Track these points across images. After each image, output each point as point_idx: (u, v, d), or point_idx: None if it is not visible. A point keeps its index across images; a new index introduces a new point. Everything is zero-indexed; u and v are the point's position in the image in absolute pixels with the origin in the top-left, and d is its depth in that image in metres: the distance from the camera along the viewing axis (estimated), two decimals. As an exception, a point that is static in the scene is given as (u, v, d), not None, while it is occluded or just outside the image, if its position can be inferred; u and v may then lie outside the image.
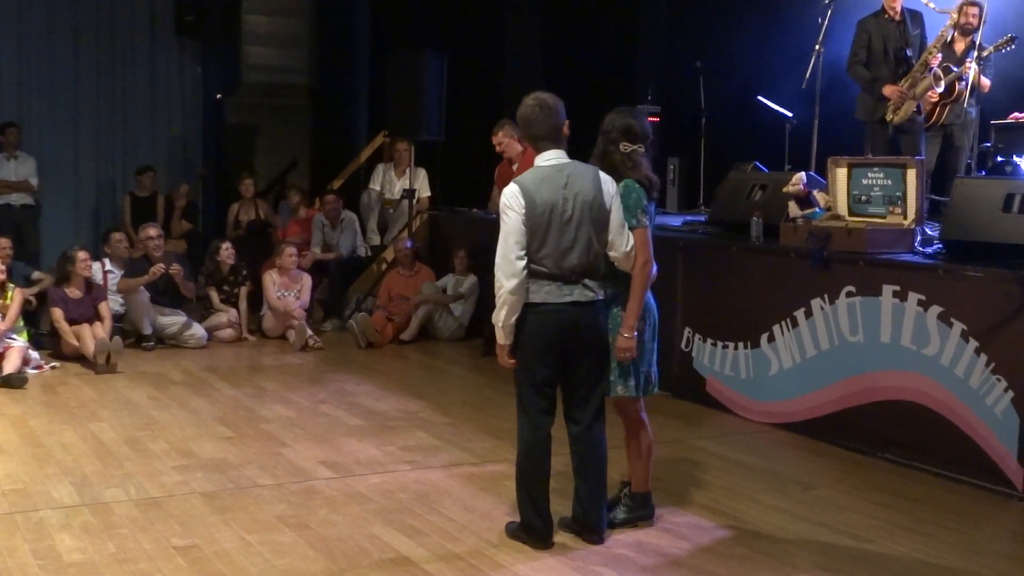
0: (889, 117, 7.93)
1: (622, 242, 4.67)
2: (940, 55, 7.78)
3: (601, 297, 4.72)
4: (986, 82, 7.91)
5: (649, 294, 4.85)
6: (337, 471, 5.86)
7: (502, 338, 4.67)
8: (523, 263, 4.54)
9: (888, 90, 7.96)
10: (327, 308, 10.68)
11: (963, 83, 7.79)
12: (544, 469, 4.70)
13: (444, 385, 8.38)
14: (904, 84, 7.86)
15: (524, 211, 4.53)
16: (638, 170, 4.88)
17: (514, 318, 4.59)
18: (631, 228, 4.71)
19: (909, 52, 7.99)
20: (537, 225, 4.55)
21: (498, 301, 4.62)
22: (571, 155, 4.75)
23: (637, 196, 4.78)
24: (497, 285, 4.62)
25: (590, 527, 4.79)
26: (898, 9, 8.05)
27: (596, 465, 4.79)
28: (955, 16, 7.80)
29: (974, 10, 7.74)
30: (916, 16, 8.15)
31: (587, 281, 4.66)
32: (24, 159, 11.45)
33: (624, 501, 5.04)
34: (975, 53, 7.73)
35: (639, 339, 4.74)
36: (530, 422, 4.71)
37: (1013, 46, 7.68)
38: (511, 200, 4.58)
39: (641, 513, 5.03)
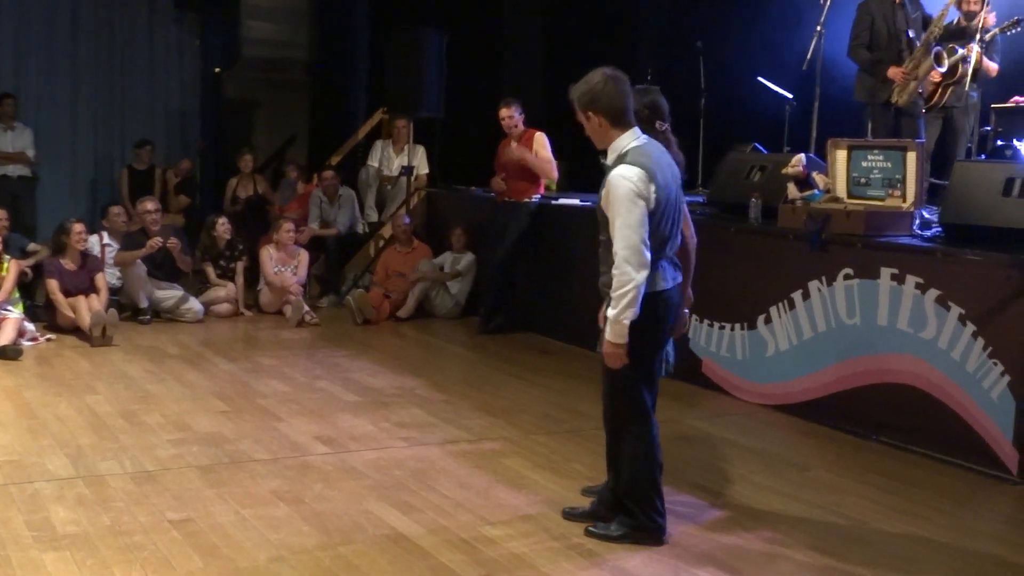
0: (894, 99, 7.91)
1: None
2: (941, 35, 7.76)
3: None
4: (992, 66, 7.89)
5: (677, 277, 4.71)
6: (332, 447, 5.85)
7: (623, 336, 4.26)
8: (650, 253, 4.27)
9: (892, 72, 7.94)
10: (324, 284, 10.70)
11: (966, 64, 7.77)
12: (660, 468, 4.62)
13: (440, 362, 8.38)
14: (908, 65, 7.84)
15: (655, 197, 4.27)
16: (672, 149, 4.86)
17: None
18: None
19: (911, 33, 7.97)
20: (665, 208, 4.34)
21: (624, 297, 4.20)
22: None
23: None
24: (625, 279, 4.20)
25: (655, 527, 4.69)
26: None
27: None
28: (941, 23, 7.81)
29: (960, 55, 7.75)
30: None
31: (676, 259, 4.58)
32: (21, 130, 11.44)
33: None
34: (979, 36, 7.72)
35: None
36: (649, 420, 4.54)
37: (1019, 28, 7.65)
38: (640, 185, 4.23)
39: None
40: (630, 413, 4.53)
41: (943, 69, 7.73)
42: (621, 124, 4.41)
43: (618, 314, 4.23)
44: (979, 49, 7.77)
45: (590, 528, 4.61)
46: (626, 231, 4.22)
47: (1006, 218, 5.94)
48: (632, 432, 4.54)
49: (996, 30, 7.72)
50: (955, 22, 7.94)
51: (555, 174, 9.23)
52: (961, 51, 7.74)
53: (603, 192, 4.37)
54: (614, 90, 4.37)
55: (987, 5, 7.77)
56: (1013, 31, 7.69)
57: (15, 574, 4.07)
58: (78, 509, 4.77)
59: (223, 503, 4.90)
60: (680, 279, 4.58)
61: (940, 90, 7.84)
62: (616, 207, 4.25)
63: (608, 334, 4.29)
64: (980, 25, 7.69)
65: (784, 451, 6.12)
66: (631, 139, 4.40)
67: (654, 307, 4.37)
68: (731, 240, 7.34)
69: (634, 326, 4.28)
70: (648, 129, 4.80)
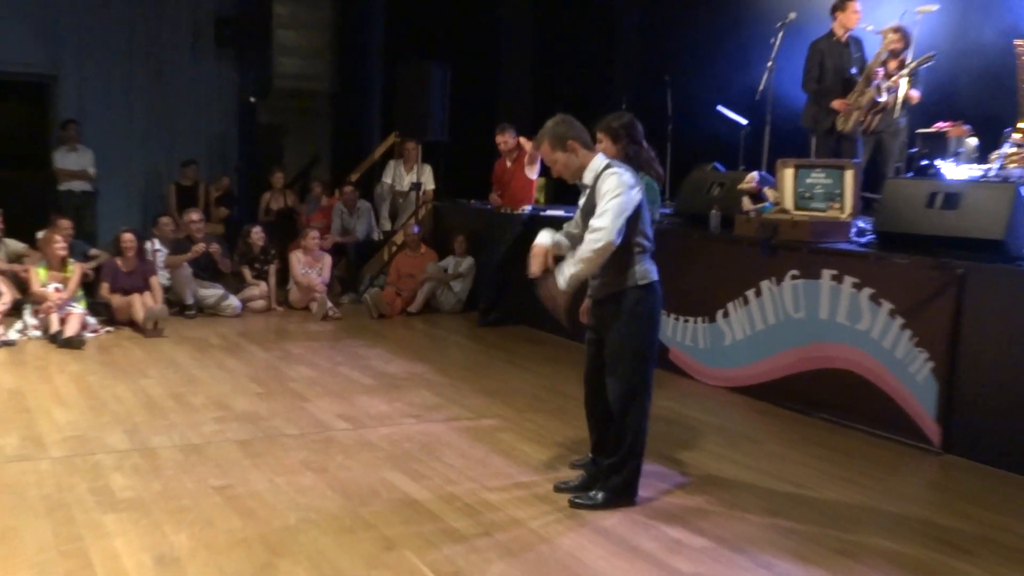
0: (840, 127, 7.92)
1: None
2: (881, 70, 7.79)
3: None
4: (915, 94, 7.91)
5: None
6: (352, 423, 5.86)
7: (570, 283, 4.29)
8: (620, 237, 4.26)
9: (836, 103, 7.95)
10: (344, 284, 10.69)
11: (892, 95, 7.82)
12: None
13: (445, 351, 8.39)
14: (851, 97, 7.86)
15: (638, 197, 4.32)
16: (653, 167, 4.87)
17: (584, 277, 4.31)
18: None
19: (853, 70, 7.99)
20: (644, 210, 4.40)
21: (595, 247, 4.20)
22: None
23: (655, 192, 4.76)
24: (601, 236, 4.19)
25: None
26: (847, 33, 8.04)
27: None
28: (885, 39, 7.81)
29: (899, 35, 7.77)
30: (857, 41, 8.15)
31: None
32: (83, 151, 11.42)
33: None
34: (903, 70, 7.77)
35: None
36: (650, 398, 4.60)
37: (932, 62, 7.70)
38: (632, 179, 4.32)
39: None
40: (641, 390, 4.54)
41: (883, 99, 7.76)
42: (589, 147, 4.50)
43: (576, 269, 4.26)
44: (906, 82, 7.82)
45: (574, 499, 4.59)
46: (615, 204, 4.22)
47: (929, 227, 5.95)
48: (640, 406, 4.54)
49: (914, 64, 7.75)
50: (885, 58, 7.96)
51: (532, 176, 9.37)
52: (888, 83, 7.79)
53: (584, 198, 4.41)
54: (574, 125, 4.47)
55: (909, 45, 7.82)
56: (928, 64, 7.73)
57: (80, 532, 4.08)
58: (133, 477, 4.78)
59: (258, 472, 4.91)
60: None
61: (870, 117, 7.86)
62: (611, 191, 4.24)
63: (560, 279, 4.28)
64: (904, 61, 7.75)
65: (740, 427, 6.15)
66: (601, 159, 4.46)
67: (654, 293, 4.47)
68: (694, 246, 7.35)
69: (642, 314, 4.39)
70: (626, 145, 4.82)
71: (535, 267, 4.50)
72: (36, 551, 3.90)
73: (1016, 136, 6.72)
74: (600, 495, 4.57)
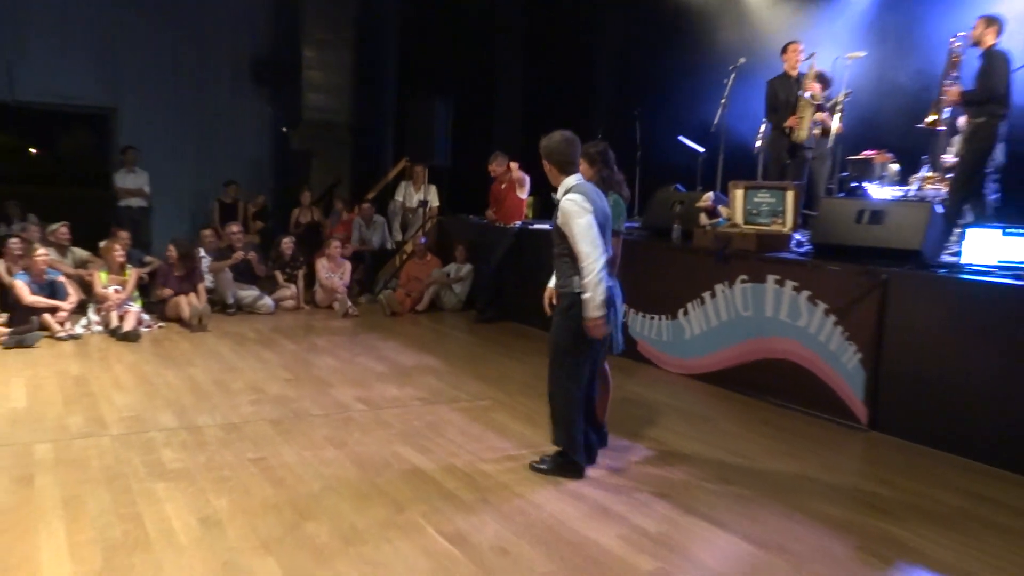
0: (795, 138, 7.93)
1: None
2: (817, 84, 7.85)
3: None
4: (839, 126, 7.93)
5: (616, 283, 4.61)
6: (368, 405, 5.84)
7: (601, 309, 4.22)
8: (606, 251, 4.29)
9: (790, 121, 7.98)
10: (362, 286, 10.65)
11: (817, 127, 7.92)
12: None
13: (448, 344, 8.37)
14: (798, 115, 7.90)
15: (592, 212, 4.28)
16: (622, 189, 4.88)
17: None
18: (615, 234, 4.64)
19: (800, 94, 8.00)
20: (601, 222, 4.34)
21: (595, 277, 4.20)
22: (547, 178, 4.65)
23: (622, 208, 4.77)
24: (592, 266, 4.20)
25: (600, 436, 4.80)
26: (796, 67, 8.07)
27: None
28: (808, 80, 7.89)
29: (818, 85, 7.84)
30: (799, 75, 8.19)
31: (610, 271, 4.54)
32: (140, 173, 11.39)
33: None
34: (827, 105, 7.87)
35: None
36: (579, 385, 4.50)
37: (848, 98, 7.75)
38: (583, 203, 4.25)
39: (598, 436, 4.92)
40: (564, 380, 4.49)
41: (818, 102, 7.84)
42: (567, 171, 4.47)
43: (593, 294, 4.22)
44: (828, 115, 7.91)
45: (533, 464, 4.63)
46: (583, 233, 4.24)
47: (858, 239, 5.97)
48: (563, 394, 4.51)
49: (836, 99, 7.78)
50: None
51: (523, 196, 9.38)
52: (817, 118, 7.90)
53: (557, 215, 4.40)
54: (564, 148, 4.46)
55: (829, 86, 7.92)
56: (846, 99, 7.76)
57: (135, 499, 4.06)
58: (181, 451, 4.76)
59: (288, 446, 4.89)
60: (613, 282, 4.50)
61: (816, 125, 7.94)
62: (572, 221, 4.27)
63: (588, 310, 4.24)
64: (828, 97, 7.87)
65: (697, 408, 6.14)
66: (574, 180, 4.45)
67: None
68: (659, 255, 7.36)
69: (574, 316, 4.32)
70: (600, 168, 4.82)
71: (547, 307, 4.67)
72: (98, 514, 3.88)
73: (928, 120, 6.77)
74: (546, 464, 4.59)
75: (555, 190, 4.57)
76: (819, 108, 7.89)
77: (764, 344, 6.32)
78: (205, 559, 3.48)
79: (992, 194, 7.54)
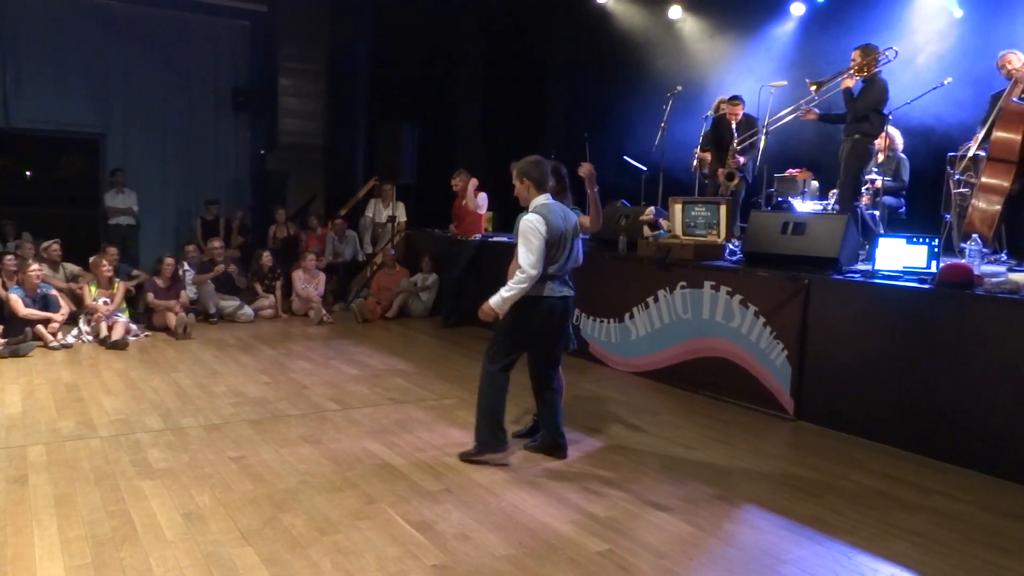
0: (722, 191, 8.05)
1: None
2: (740, 158, 7.96)
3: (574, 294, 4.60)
4: (757, 147, 8.06)
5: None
6: (341, 405, 5.80)
7: (502, 309, 4.37)
8: (542, 269, 4.35)
9: (720, 173, 8.07)
10: (336, 296, 10.56)
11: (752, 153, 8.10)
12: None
13: (415, 348, 8.33)
14: (725, 169, 7.99)
15: (546, 233, 4.33)
16: (568, 200, 4.91)
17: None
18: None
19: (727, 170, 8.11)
20: (555, 242, 4.38)
21: (519, 285, 4.30)
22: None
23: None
24: (523, 276, 4.30)
25: (558, 447, 4.73)
26: (734, 121, 8.19)
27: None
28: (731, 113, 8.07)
29: (742, 158, 7.97)
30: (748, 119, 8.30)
31: (569, 281, 4.58)
32: (128, 193, 11.23)
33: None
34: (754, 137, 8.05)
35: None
36: (505, 376, 4.54)
37: (762, 135, 7.85)
38: (537, 224, 4.32)
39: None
40: (492, 370, 4.53)
41: (742, 160, 7.97)
42: (540, 190, 4.51)
43: (508, 295, 4.34)
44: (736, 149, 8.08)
45: (461, 454, 4.66)
46: (529, 251, 4.32)
47: (783, 248, 6.05)
48: (489, 382, 4.55)
49: (744, 143, 7.94)
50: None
51: (481, 212, 9.34)
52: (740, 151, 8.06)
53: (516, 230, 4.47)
54: (540, 170, 4.51)
55: (750, 130, 8.09)
56: (753, 139, 7.89)
57: (123, 497, 3.98)
58: (167, 451, 4.68)
59: (266, 445, 4.84)
60: (567, 292, 4.52)
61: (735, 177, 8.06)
62: (523, 236, 4.36)
63: (493, 302, 4.37)
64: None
65: (643, 403, 6.17)
66: (542, 200, 4.48)
67: (536, 307, 4.43)
68: (607, 264, 7.39)
69: (519, 315, 4.40)
70: (556, 185, 4.84)
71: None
72: (88, 512, 3.80)
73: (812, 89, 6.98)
74: (473, 447, 4.63)
75: (519, 207, 4.60)
76: (743, 176, 8.04)
77: (702, 343, 6.38)
78: (189, 551, 3.42)
79: (901, 207, 7.73)
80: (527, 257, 4.32)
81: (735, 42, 10.11)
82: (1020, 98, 6.17)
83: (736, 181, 7.97)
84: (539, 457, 4.73)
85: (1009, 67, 6.26)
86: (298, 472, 4.38)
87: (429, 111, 11.97)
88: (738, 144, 7.96)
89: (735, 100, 8.26)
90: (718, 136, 8.30)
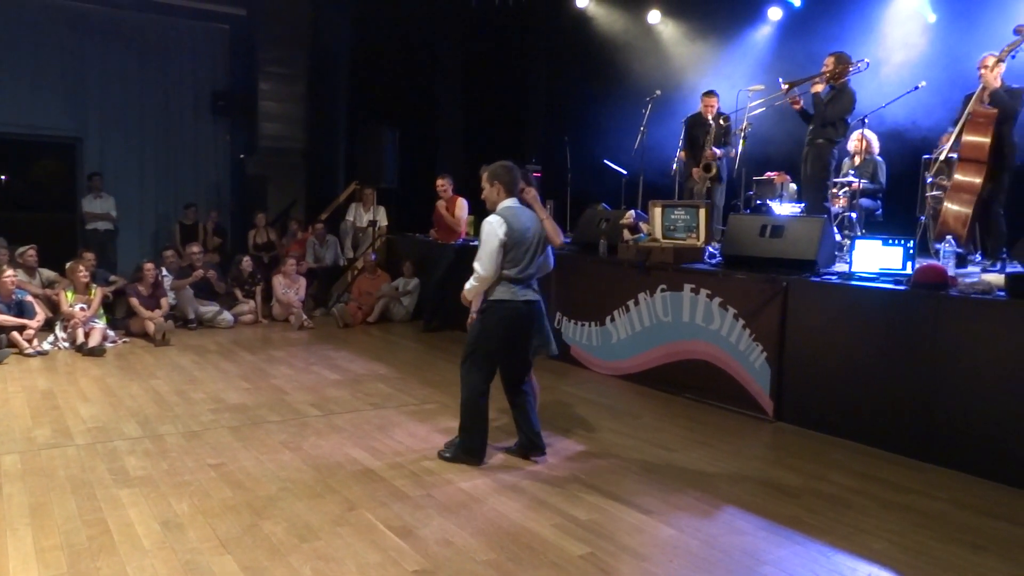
0: (696, 190, 8.11)
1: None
2: (716, 153, 8.03)
3: (539, 297, 4.62)
4: (735, 151, 8.13)
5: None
6: (322, 411, 5.76)
7: (469, 296, 4.63)
8: (499, 270, 4.44)
9: (694, 171, 8.13)
10: (317, 300, 10.51)
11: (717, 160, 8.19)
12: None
13: (396, 352, 8.30)
14: (700, 167, 8.04)
15: (505, 235, 4.39)
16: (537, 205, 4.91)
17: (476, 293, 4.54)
18: None
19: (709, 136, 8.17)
20: (516, 244, 4.42)
21: (474, 282, 4.49)
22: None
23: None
24: (476, 275, 4.45)
25: (536, 447, 4.74)
26: (709, 115, 8.23)
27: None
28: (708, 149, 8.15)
29: (717, 151, 8.05)
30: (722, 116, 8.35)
31: (534, 284, 4.59)
32: (106, 198, 11.12)
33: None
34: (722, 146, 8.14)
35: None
36: (484, 384, 4.60)
37: (750, 128, 7.90)
38: (497, 226, 4.39)
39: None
40: (467, 377, 4.61)
41: (719, 153, 8.02)
42: (509, 194, 4.56)
43: (468, 288, 4.55)
44: (720, 150, 8.15)
45: (440, 452, 4.74)
46: (485, 251, 4.42)
47: (762, 251, 6.09)
48: (467, 387, 4.62)
49: (743, 126, 7.99)
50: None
51: (462, 229, 9.22)
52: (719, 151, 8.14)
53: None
54: (511, 175, 4.56)
55: (725, 130, 8.15)
56: (749, 129, 7.96)
57: (100, 506, 3.94)
58: (145, 459, 4.63)
59: (246, 451, 4.80)
60: (530, 297, 4.53)
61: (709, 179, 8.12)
62: (483, 238, 4.46)
63: (465, 291, 4.60)
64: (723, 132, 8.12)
65: (624, 405, 6.19)
66: (509, 203, 4.55)
67: (499, 311, 4.49)
68: (587, 267, 7.41)
69: (486, 320, 4.50)
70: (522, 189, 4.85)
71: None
72: (64, 520, 3.75)
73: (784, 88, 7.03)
74: (448, 453, 4.69)
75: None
76: (719, 173, 8.09)
77: (682, 346, 6.40)
78: (167, 560, 3.38)
79: (877, 210, 7.81)
80: (479, 259, 4.44)
81: (713, 46, 10.18)
82: (985, 101, 6.25)
83: (714, 171, 8.02)
84: (520, 461, 4.73)
85: (982, 69, 6.35)
86: (278, 479, 4.35)
87: (410, 115, 11.96)
88: (713, 138, 8.02)
89: (710, 93, 8.32)
90: (692, 134, 8.34)
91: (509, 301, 4.46)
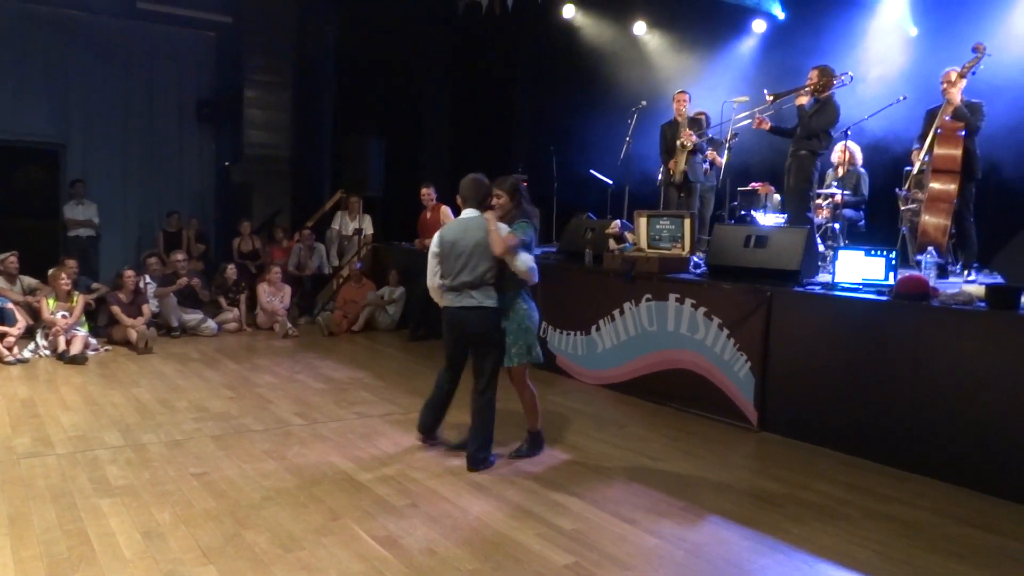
0: (673, 180, 8.16)
1: (512, 262, 4.67)
2: (690, 131, 8.04)
3: (487, 304, 4.67)
4: (720, 160, 8.19)
5: (532, 301, 4.85)
6: (306, 419, 5.73)
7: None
8: (438, 280, 4.77)
9: (669, 163, 8.19)
10: (302, 308, 10.46)
11: (706, 164, 8.20)
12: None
13: (381, 361, 8.27)
14: (674, 160, 8.11)
15: (439, 247, 4.74)
16: (533, 220, 4.92)
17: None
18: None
19: (678, 142, 8.22)
20: (446, 255, 4.70)
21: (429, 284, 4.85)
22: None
23: (525, 230, 4.78)
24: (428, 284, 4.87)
25: (468, 455, 4.75)
26: (683, 113, 8.27)
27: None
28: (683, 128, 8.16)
29: (691, 132, 8.06)
30: (696, 119, 8.40)
31: (473, 292, 4.64)
32: (88, 204, 11.04)
33: (525, 439, 5.03)
34: (705, 145, 8.19)
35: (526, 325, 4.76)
36: (439, 381, 5.08)
37: (737, 139, 7.97)
38: (434, 243, 4.80)
39: (537, 448, 5.02)
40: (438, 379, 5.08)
41: (690, 146, 8.07)
42: (466, 204, 4.82)
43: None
44: (712, 150, 8.18)
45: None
46: (429, 262, 4.84)
47: (746, 261, 6.11)
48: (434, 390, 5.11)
49: (728, 136, 8.04)
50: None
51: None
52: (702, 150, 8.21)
53: None
54: (471, 187, 4.80)
55: (700, 126, 8.18)
56: (734, 140, 8.01)
57: (80, 515, 3.89)
58: (126, 468, 4.59)
59: (229, 460, 4.77)
60: (465, 303, 4.67)
61: (684, 167, 8.15)
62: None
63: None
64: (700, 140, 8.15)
65: (609, 414, 6.19)
66: (464, 214, 4.80)
67: (443, 316, 4.85)
68: (573, 277, 7.42)
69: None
70: (520, 201, 4.85)
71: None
72: (43, 531, 3.71)
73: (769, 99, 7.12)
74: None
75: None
76: (697, 149, 8.10)
77: (667, 356, 6.42)
78: (148, 570, 3.35)
79: (860, 220, 7.89)
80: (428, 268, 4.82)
81: (699, 58, 10.26)
82: (950, 116, 6.39)
83: (692, 146, 8.04)
84: (506, 470, 4.72)
85: (945, 84, 6.47)
86: (262, 488, 4.32)
87: (396, 124, 11.98)
88: (692, 143, 8.09)
89: (681, 91, 8.36)
90: (667, 136, 8.37)
91: (447, 307, 4.78)
